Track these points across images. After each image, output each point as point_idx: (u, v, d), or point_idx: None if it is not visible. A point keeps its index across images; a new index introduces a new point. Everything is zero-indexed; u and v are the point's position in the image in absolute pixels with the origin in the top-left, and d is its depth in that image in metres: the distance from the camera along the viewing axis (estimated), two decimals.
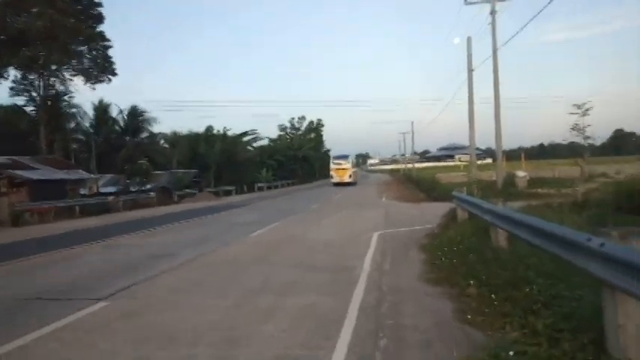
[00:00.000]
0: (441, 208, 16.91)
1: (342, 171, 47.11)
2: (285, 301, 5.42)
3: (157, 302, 5.69)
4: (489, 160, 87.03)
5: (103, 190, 32.48)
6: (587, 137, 11.67)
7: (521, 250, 6.54)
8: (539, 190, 20.56)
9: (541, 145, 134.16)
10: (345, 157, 49.86)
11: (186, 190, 37.02)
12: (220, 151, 46.21)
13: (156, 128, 42.95)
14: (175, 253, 9.36)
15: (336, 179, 46.68)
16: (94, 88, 36.47)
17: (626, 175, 17.56)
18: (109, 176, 36.41)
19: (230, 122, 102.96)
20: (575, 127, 11.54)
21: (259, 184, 50.44)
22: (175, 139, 46.54)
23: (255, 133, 54.73)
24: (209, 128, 48.84)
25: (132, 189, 32.64)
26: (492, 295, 4.90)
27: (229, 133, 50.16)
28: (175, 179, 37.93)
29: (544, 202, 14.01)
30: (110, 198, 27.00)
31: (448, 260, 6.94)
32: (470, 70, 21.92)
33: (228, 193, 42.72)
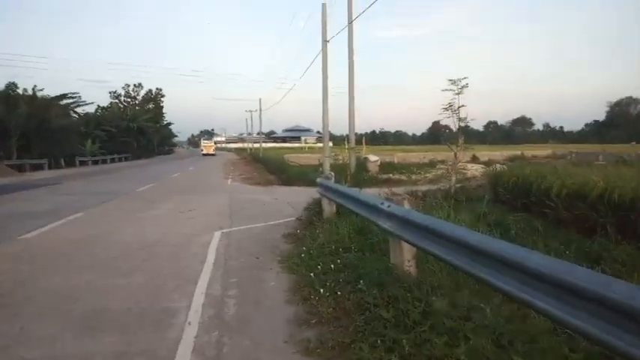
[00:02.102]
0: (296, 194, 14.67)
1: (208, 146, 71.88)
2: None
3: None
4: (330, 144, 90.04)
5: None
6: (463, 118, 10.19)
7: (439, 277, 4.37)
8: (392, 176, 19.92)
9: (373, 132, 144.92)
10: (210, 138, 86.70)
11: None
12: (27, 115, 37.22)
13: None
14: None
15: (205, 151, 69.52)
16: None
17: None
18: None
19: (53, 86, 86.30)
20: (449, 107, 9.95)
21: (82, 159, 42.73)
22: None
23: (76, 96, 45.80)
24: (10, 86, 38.90)
25: None
26: None
27: (41, 94, 40.82)
28: None
29: (406, 189, 12.72)
30: None
31: (330, 294, 4.42)
32: (324, 41, 19.99)
33: (38, 167, 34.90)
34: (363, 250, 5.87)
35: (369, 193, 7.61)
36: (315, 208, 9.18)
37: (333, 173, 9.09)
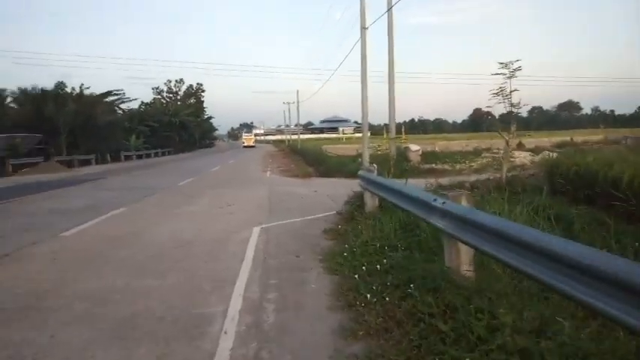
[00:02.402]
0: (335, 187, 14.27)
1: (249, 139, 78.84)
2: None
3: None
4: (368, 134, 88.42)
5: None
6: (516, 104, 9.42)
7: (503, 283, 3.87)
8: (435, 166, 19.16)
9: (412, 121, 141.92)
10: (250, 131, 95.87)
11: (27, 158, 30.03)
12: (75, 112, 38.62)
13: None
14: None
15: (245, 143, 76.01)
16: None
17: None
18: None
19: (99, 83, 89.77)
20: (500, 92, 9.20)
21: (127, 153, 44.04)
22: (24, 98, 37.77)
23: (120, 93, 47.11)
24: (60, 85, 40.40)
25: None
26: None
27: (87, 92, 42.23)
28: (10, 145, 30.40)
29: (452, 180, 12.04)
30: None
31: (377, 300, 3.99)
32: (363, 28, 19.35)
33: (85, 162, 36.27)
34: (410, 248, 5.42)
35: (415, 185, 7.11)
36: (356, 201, 8.73)
37: (375, 165, 8.57)
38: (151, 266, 5.69)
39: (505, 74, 9.52)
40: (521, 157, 22.29)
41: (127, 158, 43.42)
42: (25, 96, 37.50)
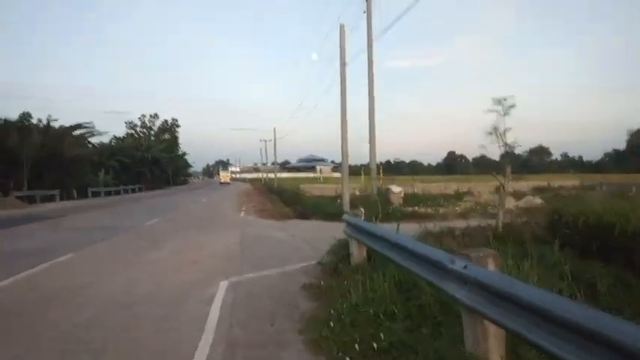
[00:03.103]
0: (314, 230, 13.25)
1: (225, 176, 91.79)
2: None
3: None
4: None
5: None
6: (510, 145, 8.77)
7: None
8: (417, 209, 18.36)
9: (388, 162, 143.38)
10: (226, 168, 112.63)
11: None
12: (40, 145, 36.85)
13: None
14: None
15: (222, 180, 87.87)
16: None
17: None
18: None
19: (76, 117, 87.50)
20: (494, 131, 8.54)
21: (94, 189, 42.11)
22: None
23: (90, 126, 45.49)
24: (25, 116, 38.76)
25: None
26: None
27: (56, 124, 40.56)
28: None
29: (442, 227, 11.18)
30: None
31: None
32: (343, 64, 18.95)
33: (49, 198, 34.32)
34: (411, 316, 4.40)
35: (414, 237, 6.16)
36: (340, 251, 7.70)
37: (362, 210, 7.63)
38: (84, 337, 4.47)
39: (499, 111, 8.91)
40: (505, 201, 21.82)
41: (95, 195, 41.53)
42: None
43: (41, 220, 17.12)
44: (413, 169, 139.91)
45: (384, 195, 19.95)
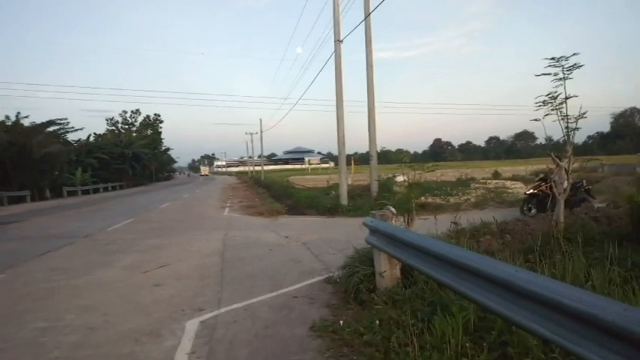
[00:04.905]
0: (311, 229, 11.05)
1: (205, 170, 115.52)
2: None
3: None
4: (331, 164, 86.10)
5: None
6: (571, 118, 6.49)
7: None
8: (426, 200, 16.22)
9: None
10: (212, 164, 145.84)
11: None
12: (7, 143, 33.89)
13: None
14: None
15: (202, 173, 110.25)
16: None
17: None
18: None
19: (54, 115, 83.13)
20: (551, 97, 6.25)
21: (70, 189, 39.38)
22: None
23: (64, 123, 42.43)
24: None
25: None
26: None
27: (25, 121, 37.45)
28: None
29: (455, 217, 9.01)
30: None
31: None
32: (337, 41, 16.65)
33: (19, 199, 31.63)
34: None
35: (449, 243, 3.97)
36: (359, 266, 5.46)
37: (394, 210, 5.35)
38: None
39: (556, 74, 6.69)
40: (515, 186, 19.81)
41: (71, 194, 38.82)
42: None
43: None
44: (399, 157, 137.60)
45: (387, 184, 17.77)
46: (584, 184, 11.56)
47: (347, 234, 9.98)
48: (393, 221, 4.90)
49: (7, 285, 6.49)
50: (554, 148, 8.03)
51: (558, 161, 7.06)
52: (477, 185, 20.94)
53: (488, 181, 24.13)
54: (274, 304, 5.07)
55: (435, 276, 3.61)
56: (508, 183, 20.23)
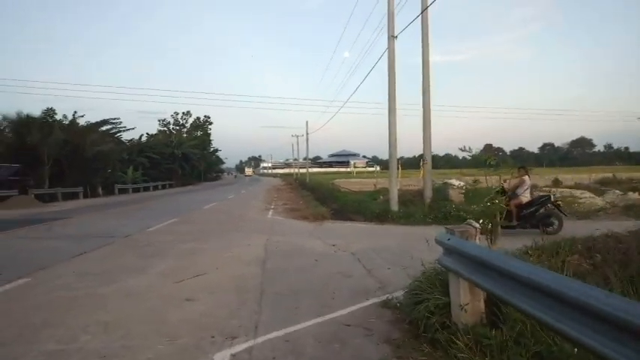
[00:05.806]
0: (359, 237, 10.05)
1: (249, 171, 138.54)
2: None
3: None
4: (377, 168, 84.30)
5: None
6: None
7: None
8: None
9: (421, 156, 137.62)
10: (250, 166, 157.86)
11: None
12: (62, 142, 35.09)
13: None
14: None
15: (247, 174, 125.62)
16: None
17: None
18: None
19: (108, 116, 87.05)
20: None
21: (121, 186, 40.45)
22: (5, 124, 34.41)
23: (117, 122, 43.75)
24: (48, 112, 37.20)
25: None
26: None
27: (80, 120, 38.79)
28: None
29: (557, 238, 7.75)
30: None
31: None
32: (391, 36, 15.56)
33: (72, 196, 32.67)
34: None
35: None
36: (427, 288, 4.43)
37: (477, 224, 4.24)
38: None
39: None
40: (585, 196, 17.93)
41: (122, 191, 39.86)
42: (7, 123, 34.02)
43: (39, 223, 14.63)
44: (448, 162, 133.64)
45: (442, 190, 16.48)
46: (552, 199, 10.71)
47: (401, 244, 8.97)
48: (477, 240, 3.84)
49: (29, 290, 5.95)
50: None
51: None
52: (540, 194, 19.16)
53: (553, 189, 22.15)
54: (322, 334, 4.14)
55: (548, 322, 2.57)
56: (578, 193, 18.35)
